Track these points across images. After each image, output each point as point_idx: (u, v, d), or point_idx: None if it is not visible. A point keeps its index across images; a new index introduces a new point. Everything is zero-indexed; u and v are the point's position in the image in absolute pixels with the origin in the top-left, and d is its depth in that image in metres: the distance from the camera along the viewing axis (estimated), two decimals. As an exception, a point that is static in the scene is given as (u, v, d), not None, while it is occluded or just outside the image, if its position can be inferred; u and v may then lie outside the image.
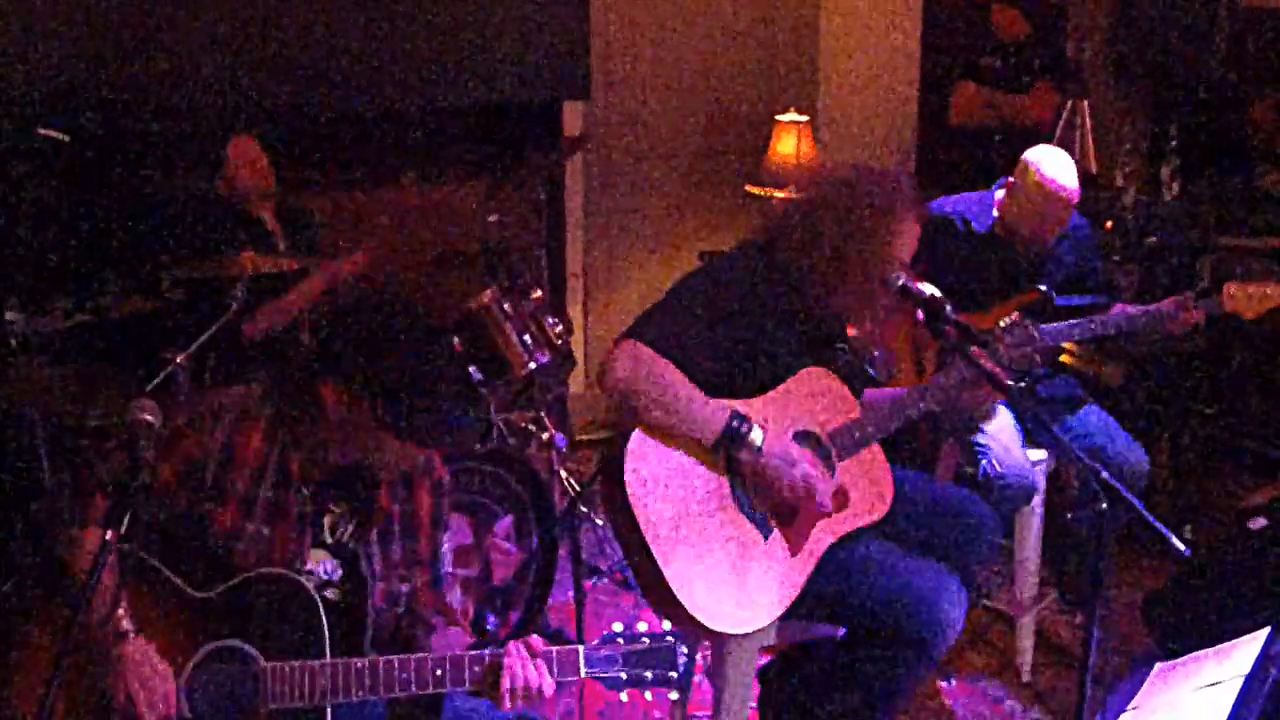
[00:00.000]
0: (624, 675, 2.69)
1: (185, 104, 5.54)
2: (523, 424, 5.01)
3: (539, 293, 4.91)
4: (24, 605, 2.73)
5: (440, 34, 5.95)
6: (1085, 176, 6.16)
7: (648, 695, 2.72)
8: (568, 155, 6.10)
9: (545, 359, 4.78)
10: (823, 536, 3.31)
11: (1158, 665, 3.09)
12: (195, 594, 2.69)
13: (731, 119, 6.76)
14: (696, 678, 3.99)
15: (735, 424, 3.16)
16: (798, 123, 6.29)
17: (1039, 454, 4.41)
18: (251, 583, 2.70)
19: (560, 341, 4.87)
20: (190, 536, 2.73)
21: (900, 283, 3.52)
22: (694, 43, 6.64)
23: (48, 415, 4.39)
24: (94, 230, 5.53)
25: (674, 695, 2.77)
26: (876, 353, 4.06)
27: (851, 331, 3.65)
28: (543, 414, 5.04)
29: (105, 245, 5.51)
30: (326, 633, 2.66)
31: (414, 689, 2.63)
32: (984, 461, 4.22)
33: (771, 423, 3.26)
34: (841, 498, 3.36)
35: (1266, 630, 2.88)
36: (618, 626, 2.72)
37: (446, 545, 2.99)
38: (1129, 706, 2.97)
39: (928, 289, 3.46)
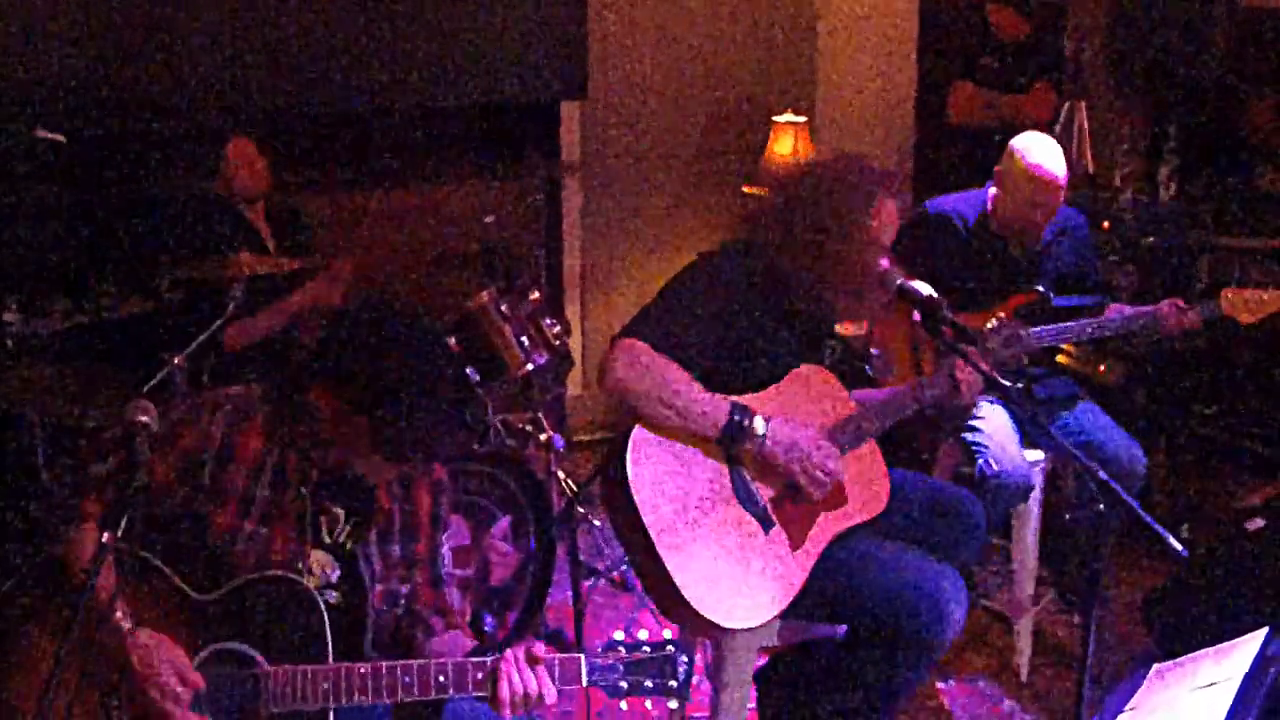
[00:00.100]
0: (625, 684, 2.69)
1: (182, 105, 5.53)
2: (520, 425, 5.00)
3: (537, 294, 4.91)
4: (23, 605, 2.73)
5: (437, 34, 5.95)
6: (1083, 176, 6.20)
7: (647, 703, 2.72)
8: (563, 173, 6.11)
9: (543, 360, 4.78)
10: (823, 531, 3.32)
11: (1155, 665, 3.08)
12: (197, 596, 2.69)
13: (729, 120, 6.77)
14: (695, 679, 3.99)
15: (738, 417, 3.18)
16: (795, 123, 6.30)
17: (1036, 454, 4.41)
18: (253, 585, 2.70)
19: (558, 342, 4.87)
20: (190, 538, 2.73)
21: (898, 283, 3.54)
22: (692, 43, 6.64)
23: (45, 416, 4.38)
24: (92, 231, 5.52)
25: (673, 704, 2.78)
26: (874, 352, 4.06)
27: (849, 330, 3.65)
28: (540, 415, 5.04)
29: (103, 246, 5.50)
30: (329, 636, 2.66)
31: (416, 694, 2.63)
32: (980, 460, 4.22)
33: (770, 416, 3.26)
34: (840, 494, 3.37)
35: (1264, 630, 2.88)
36: (619, 635, 2.72)
37: (446, 545, 2.99)
38: (1127, 707, 2.97)
39: (924, 289, 3.47)
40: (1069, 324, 4.29)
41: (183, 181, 5.42)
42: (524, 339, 4.74)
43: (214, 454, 2.74)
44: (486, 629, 4.42)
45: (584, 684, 2.68)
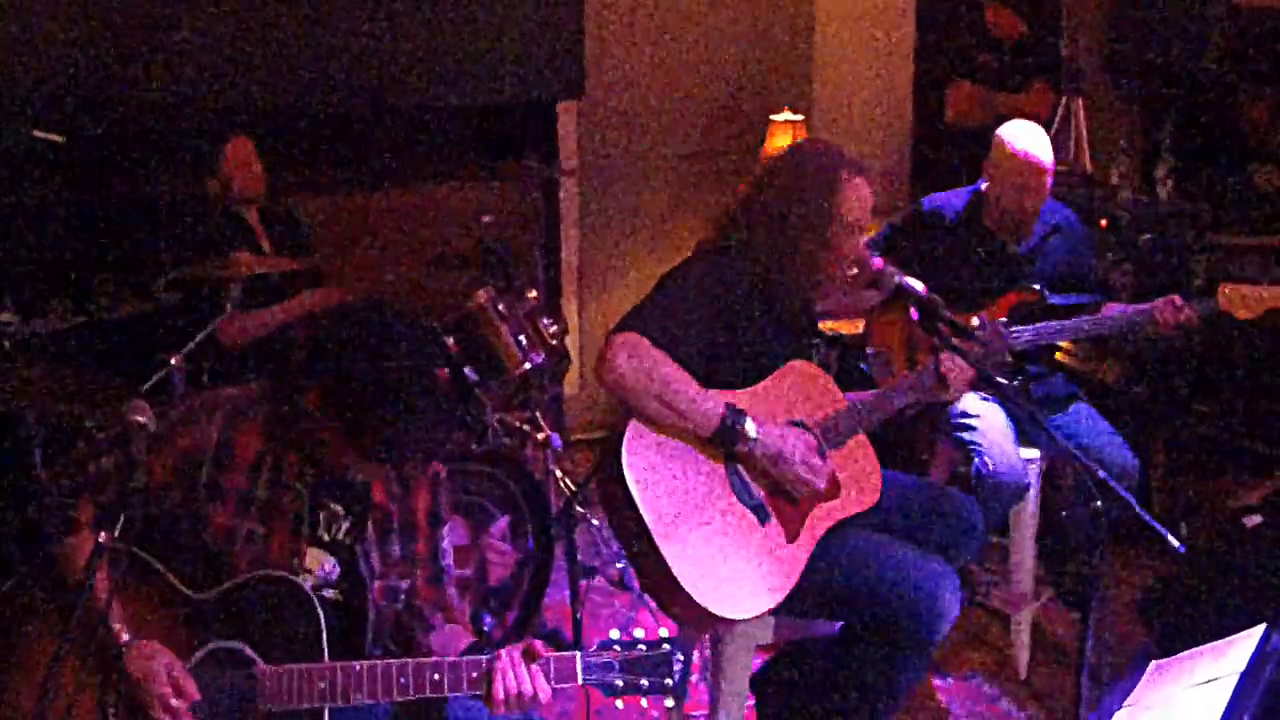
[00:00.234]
0: (620, 682, 2.69)
1: (179, 105, 5.53)
2: (518, 424, 5.00)
3: (534, 293, 4.91)
4: (22, 606, 2.73)
5: (434, 34, 5.95)
6: (1080, 175, 6.20)
7: (643, 702, 2.72)
8: (561, 175, 6.11)
9: (540, 359, 4.78)
10: (818, 523, 3.34)
11: (1153, 662, 3.09)
12: (194, 595, 2.69)
13: (726, 119, 6.76)
14: (693, 678, 3.99)
15: (730, 421, 3.18)
16: (792, 122, 6.29)
17: (1032, 452, 4.42)
18: (250, 584, 2.70)
19: (555, 342, 4.87)
20: (188, 537, 2.73)
21: (895, 280, 3.55)
22: (689, 42, 6.64)
23: (43, 416, 4.38)
24: (89, 232, 5.52)
25: (669, 703, 2.77)
26: (870, 351, 4.08)
27: (847, 329, 3.66)
28: (538, 414, 5.04)
29: (101, 247, 5.50)
30: (325, 636, 2.66)
31: (411, 693, 2.63)
32: (976, 459, 4.23)
33: (762, 414, 3.27)
34: (833, 486, 3.38)
35: (1262, 627, 2.88)
36: (615, 633, 2.72)
37: (446, 541, 2.99)
38: (1125, 703, 2.97)
39: (921, 287, 3.48)
40: (1065, 322, 4.30)
41: (179, 182, 5.42)
42: (521, 338, 4.75)
43: (212, 454, 2.74)
44: (485, 628, 4.43)
45: (580, 682, 2.68)
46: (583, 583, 4.86)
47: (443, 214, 6.27)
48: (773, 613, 3.30)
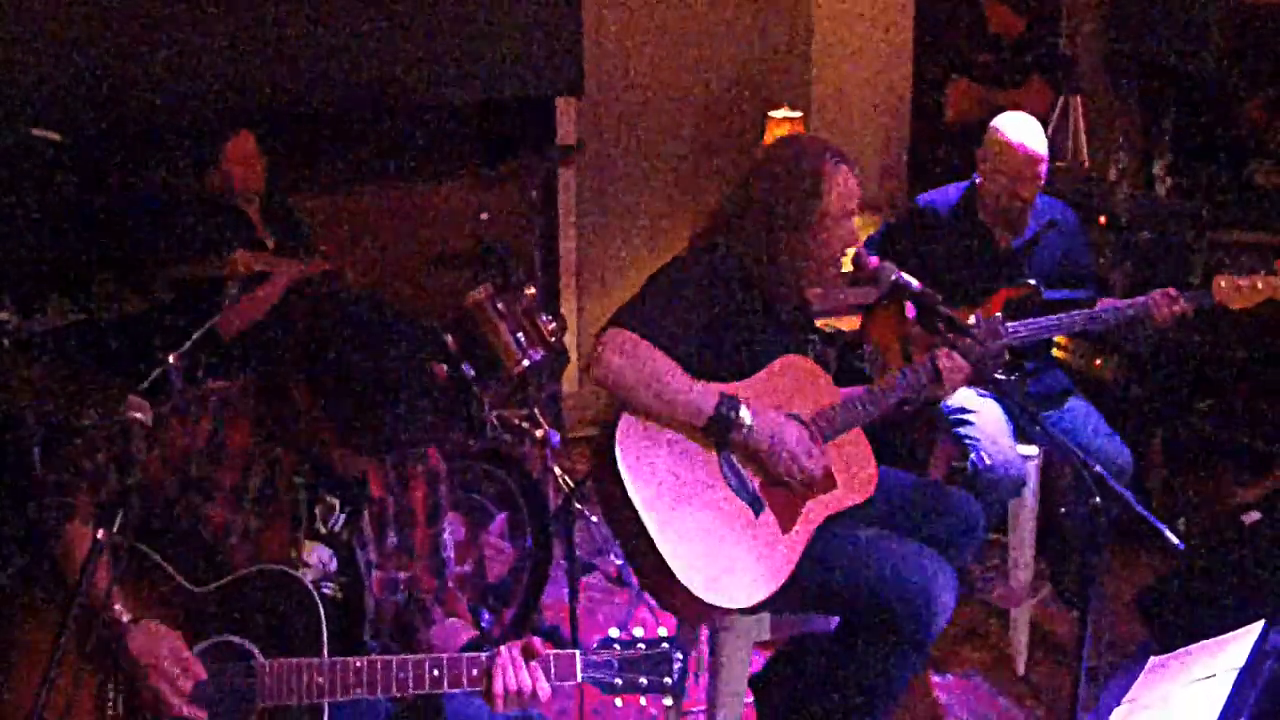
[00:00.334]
0: (619, 681, 2.69)
1: (176, 103, 5.52)
2: (516, 421, 5.01)
3: (532, 290, 4.91)
4: (20, 601, 2.73)
5: (433, 31, 5.95)
6: (1079, 172, 6.20)
7: (642, 700, 2.72)
8: (563, 161, 6.10)
9: (539, 356, 4.78)
10: (813, 515, 3.34)
11: (1152, 659, 3.09)
12: (193, 589, 2.69)
13: (725, 116, 6.76)
14: (691, 676, 3.99)
15: (724, 409, 3.19)
16: (791, 119, 6.29)
17: (1030, 449, 4.42)
18: (249, 579, 2.70)
19: (554, 339, 4.87)
20: (184, 532, 2.73)
21: (893, 278, 3.56)
22: (687, 39, 6.64)
23: (41, 414, 4.38)
24: (88, 230, 5.51)
25: (668, 701, 2.78)
26: (867, 348, 4.08)
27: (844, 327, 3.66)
28: (536, 411, 5.04)
29: (100, 245, 5.49)
30: (324, 629, 2.66)
31: (410, 689, 2.64)
32: (973, 454, 4.23)
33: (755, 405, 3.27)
34: (828, 479, 3.38)
35: (1260, 624, 2.88)
36: (614, 632, 2.73)
37: (447, 533, 3.00)
38: (1123, 700, 2.97)
39: (918, 284, 3.49)
40: (1061, 316, 4.30)
41: (179, 179, 5.41)
42: (520, 335, 4.75)
43: (203, 448, 2.74)
44: (483, 625, 4.43)
45: (579, 680, 2.68)
46: (581, 580, 4.86)
47: (441, 211, 6.27)
48: (769, 608, 3.30)
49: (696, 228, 3.58)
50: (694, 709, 3.98)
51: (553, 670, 2.67)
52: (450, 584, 3.02)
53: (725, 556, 3.19)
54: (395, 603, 2.91)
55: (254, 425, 2.79)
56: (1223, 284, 4.32)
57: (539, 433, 4.94)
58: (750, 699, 3.59)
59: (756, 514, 3.26)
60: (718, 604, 3.14)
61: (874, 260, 3.62)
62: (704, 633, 3.72)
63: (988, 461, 4.20)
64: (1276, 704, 2.77)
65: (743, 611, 3.28)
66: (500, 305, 4.74)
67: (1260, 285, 4.29)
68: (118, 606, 2.62)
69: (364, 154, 6.17)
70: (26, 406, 4.35)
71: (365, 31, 5.82)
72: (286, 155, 5.45)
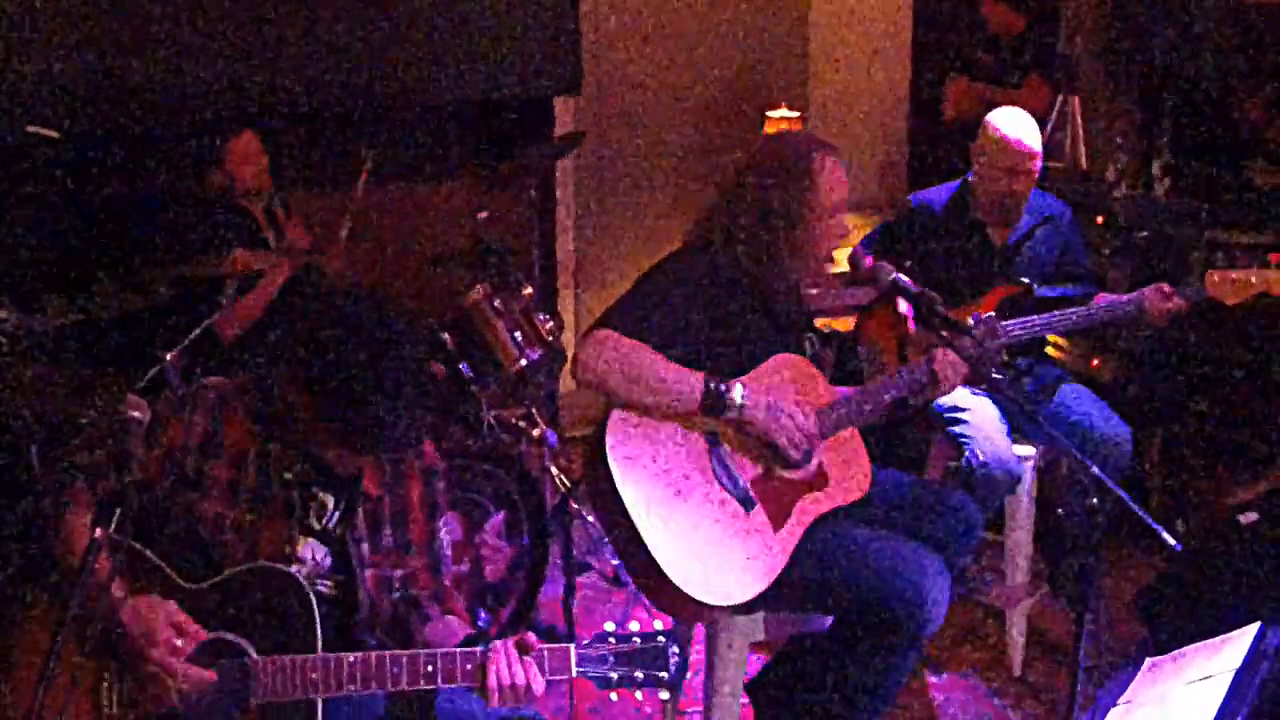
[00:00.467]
0: (614, 675, 2.69)
1: (175, 102, 5.52)
2: (514, 421, 5.01)
3: (529, 289, 4.91)
4: (19, 596, 2.73)
5: (431, 30, 5.94)
6: (1076, 171, 6.20)
7: (638, 695, 2.72)
8: (563, 152, 6.09)
9: (536, 356, 4.78)
10: (805, 512, 3.34)
11: (1149, 660, 3.09)
12: (187, 586, 2.69)
13: (723, 115, 6.76)
14: (688, 675, 3.99)
15: (713, 385, 3.19)
16: (789, 119, 6.29)
17: (1028, 449, 4.42)
18: (243, 575, 2.71)
19: (551, 338, 4.87)
20: (180, 528, 2.73)
21: (890, 278, 3.57)
22: (685, 38, 6.64)
23: (39, 413, 4.38)
24: (87, 229, 5.51)
25: (664, 695, 2.77)
26: (862, 349, 4.08)
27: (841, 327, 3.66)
28: (534, 410, 5.04)
29: (97, 243, 5.49)
30: (318, 626, 2.66)
31: (405, 684, 2.64)
32: (967, 452, 4.23)
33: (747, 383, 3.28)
34: (821, 477, 3.38)
35: (1257, 625, 2.88)
36: (609, 626, 2.72)
37: (444, 531, 3.00)
38: (1120, 700, 2.97)
39: (915, 284, 3.49)
40: (1055, 313, 4.30)
41: (178, 178, 5.41)
42: (517, 335, 4.75)
43: (198, 445, 2.74)
44: (480, 624, 4.43)
45: (574, 675, 2.68)
46: (578, 579, 4.86)
47: (439, 210, 6.27)
48: (761, 606, 3.30)
49: (689, 226, 3.58)
50: (690, 709, 3.98)
51: (547, 664, 2.67)
52: (447, 582, 3.03)
53: (716, 554, 3.19)
54: (391, 600, 2.91)
55: (250, 422, 2.79)
56: (1216, 279, 4.31)
57: (536, 432, 4.95)
58: (746, 700, 3.58)
59: (748, 511, 3.26)
60: (708, 601, 3.14)
61: (870, 260, 3.63)
62: (700, 632, 3.71)
63: (982, 459, 4.20)
64: (1273, 704, 2.77)
65: (735, 609, 3.28)
66: (498, 304, 4.74)
67: (1254, 279, 4.29)
68: (114, 586, 2.62)
69: (361, 153, 6.16)
70: (25, 405, 4.35)
71: (364, 31, 5.82)
72: (285, 154, 5.45)
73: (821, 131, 6.71)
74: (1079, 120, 6.29)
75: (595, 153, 6.56)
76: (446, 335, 4.70)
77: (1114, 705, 2.96)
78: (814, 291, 3.67)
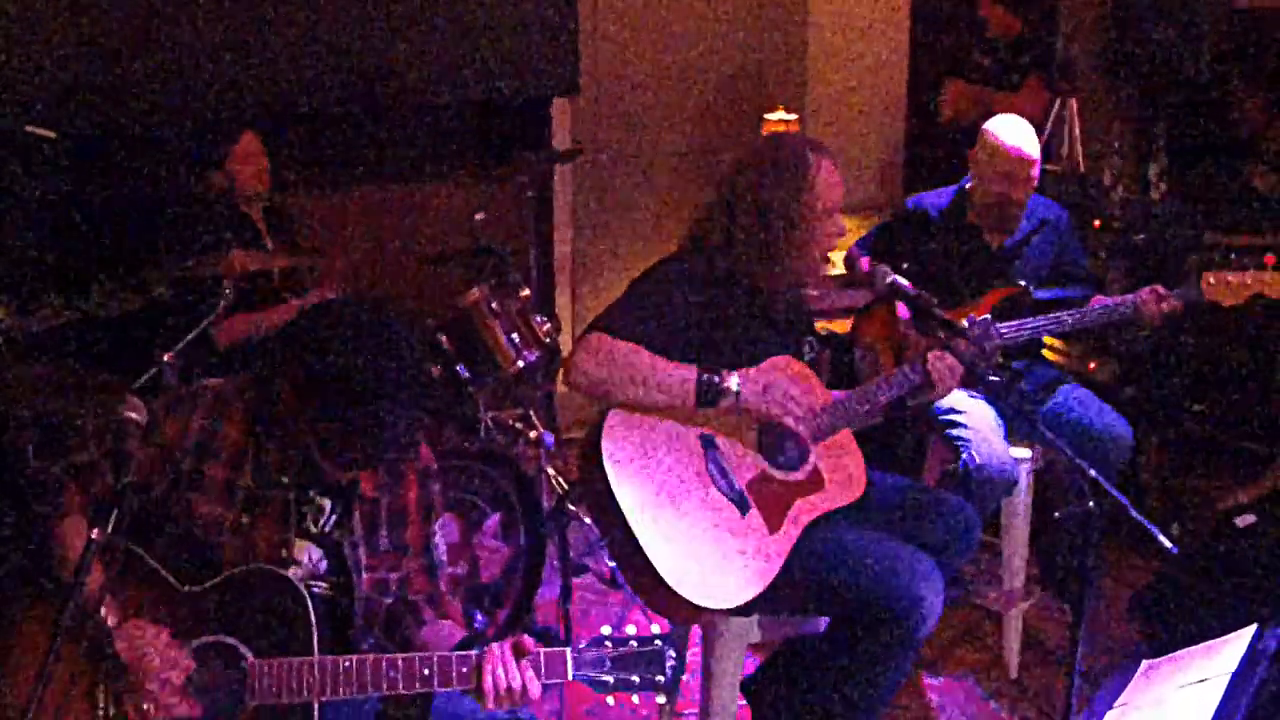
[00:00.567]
0: (611, 679, 2.68)
1: (173, 103, 5.52)
2: (511, 422, 5.01)
3: (527, 291, 4.91)
4: (14, 599, 2.72)
5: (429, 31, 5.95)
6: (1074, 174, 6.20)
7: (634, 698, 2.71)
8: (561, 161, 6.10)
9: (533, 357, 4.78)
10: (801, 514, 3.34)
11: (1145, 662, 3.09)
12: (183, 589, 2.69)
13: (720, 117, 6.77)
14: (685, 676, 3.99)
15: (707, 376, 3.20)
16: (786, 121, 6.29)
17: (1024, 452, 4.42)
18: (239, 578, 2.70)
19: (548, 339, 4.87)
20: (175, 529, 2.73)
21: (888, 280, 3.57)
22: (683, 39, 6.64)
23: (37, 413, 4.38)
24: (86, 228, 5.51)
25: (661, 699, 2.77)
26: (858, 351, 4.08)
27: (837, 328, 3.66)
28: (530, 412, 5.05)
29: (95, 243, 5.49)
30: (315, 629, 2.66)
31: (401, 687, 2.63)
32: (964, 454, 4.23)
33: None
34: (817, 479, 3.38)
35: (1253, 627, 2.88)
36: (606, 629, 2.72)
37: (439, 533, 3.00)
38: (1116, 703, 2.97)
39: (912, 286, 3.49)
40: (1050, 316, 4.30)
41: (178, 179, 5.41)
42: (514, 336, 4.75)
43: (194, 446, 2.74)
44: (477, 626, 4.43)
45: (569, 678, 2.67)
46: (574, 581, 4.86)
47: (437, 211, 6.27)
48: (756, 608, 3.30)
49: (685, 229, 3.58)
50: (687, 710, 3.98)
51: (543, 668, 2.66)
52: (443, 586, 3.02)
53: (711, 557, 3.18)
54: (387, 604, 2.91)
55: (247, 423, 2.79)
56: (1211, 280, 4.31)
57: (533, 433, 4.95)
58: (743, 701, 3.58)
59: (743, 514, 3.26)
60: (703, 605, 3.14)
61: (866, 262, 3.63)
62: (696, 633, 3.71)
63: (978, 461, 4.20)
64: (1269, 707, 2.77)
65: (731, 612, 3.28)
66: (495, 306, 4.74)
67: (1249, 280, 4.28)
68: (104, 610, 2.62)
69: (361, 153, 6.17)
70: (23, 405, 4.35)
71: (362, 32, 5.82)
72: (283, 154, 5.45)
73: (819, 133, 6.71)
74: (1076, 122, 6.30)
75: (593, 154, 6.56)
76: (443, 336, 4.69)
77: (1110, 708, 2.96)
78: (813, 293, 3.67)
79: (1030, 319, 4.26)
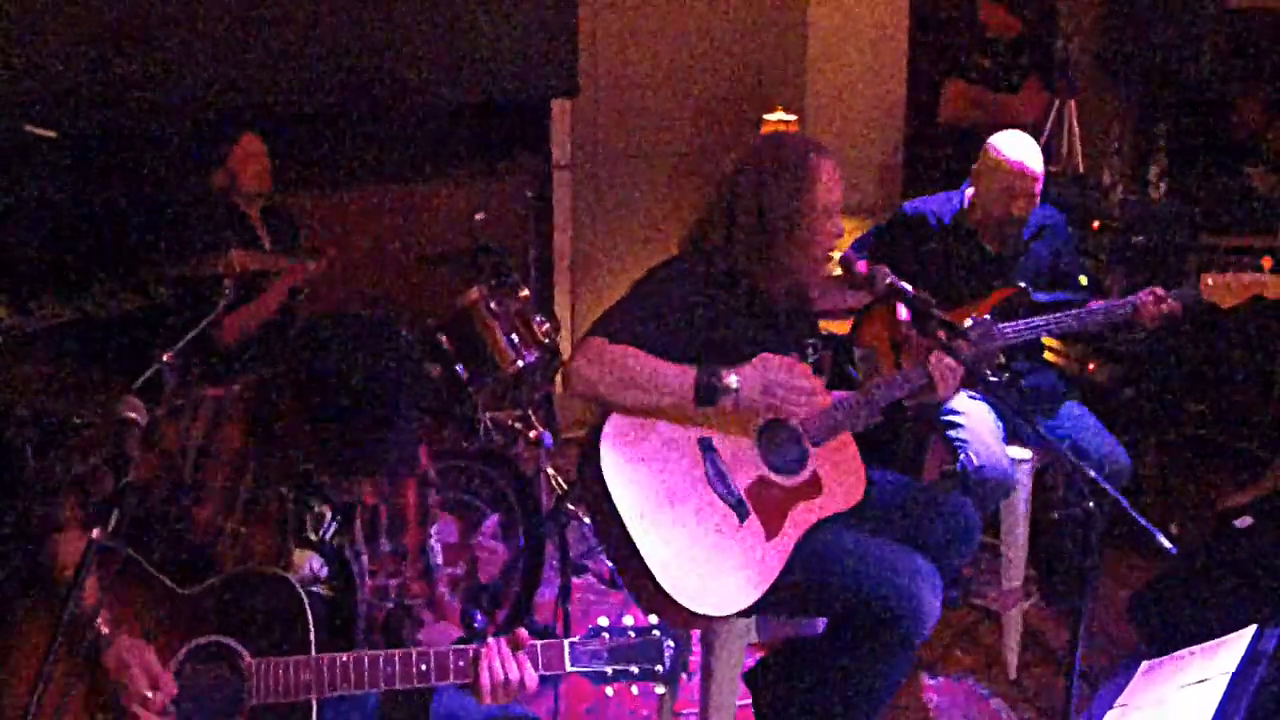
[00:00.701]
0: (609, 670, 2.68)
1: (177, 103, 5.52)
2: (509, 422, 5.01)
3: (526, 291, 4.91)
4: (18, 603, 2.72)
5: (429, 32, 5.95)
6: (1073, 175, 6.20)
7: (634, 690, 2.71)
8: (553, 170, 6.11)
9: (532, 357, 4.78)
10: (799, 520, 3.33)
11: (1144, 663, 3.09)
12: (181, 590, 2.69)
13: (720, 118, 6.77)
14: (684, 675, 3.99)
15: (706, 377, 3.20)
16: (786, 121, 6.30)
17: (1023, 452, 4.42)
18: (237, 579, 2.70)
19: (548, 340, 4.87)
20: (173, 534, 2.73)
21: (887, 281, 3.57)
22: (683, 40, 6.64)
23: (36, 413, 4.37)
24: (85, 228, 5.51)
25: (660, 689, 2.77)
26: (858, 352, 4.07)
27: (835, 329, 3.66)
28: (530, 412, 5.04)
29: (94, 243, 5.49)
30: (312, 628, 2.66)
31: (398, 684, 2.63)
32: (962, 455, 4.23)
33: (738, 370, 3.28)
34: (815, 484, 3.37)
35: (1252, 628, 2.88)
36: (603, 621, 2.72)
37: (435, 539, 2.99)
38: (1116, 703, 2.97)
39: (911, 288, 3.49)
40: (1049, 317, 4.30)
41: (178, 178, 5.41)
42: (514, 336, 4.75)
43: (194, 452, 2.74)
44: (477, 626, 4.42)
45: (567, 669, 2.67)
46: (574, 580, 4.86)
47: (436, 212, 6.27)
48: (754, 613, 3.30)
49: (686, 230, 3.58)
50: (686, 710, 3.98)
51: (540, 660, 2.66)
52: (440, 589, 3.02)
53: (709, 563, 3.17)
54: (385, 609, 2.91)
55: (247, 430, 2.78)
56: (1210, 281, 4.31)
57: (532, 434, 4.94)
58: (743, 700, 3.58)
59: (742, 520, 3.25)
60: (701, 611, 3.13)
61: (863, 264, 3.63)
62: (696, 633, 3.71)
63: (976, 463, 4.20)
64: (1269, 708, 2.77)
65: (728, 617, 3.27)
66: (494, 306, 4.74)
67: (1247, 281, 4.29)
68: (98, 620, 2.61)
69: (360, 154, 6.17)
70: (21, 405, 4.35)
71: (362, 32, 5.82)
72: (283, 155, 5.45)
73: (818, 134, 6.71)
74: (1075, 123, 6.29)
75: (592, 154, 6.56)
76: (443, 336, 4.69)
77: (1110, 709, 2.96)
78: (814, 294, 3.67)
79: (1031, 319, 4.26)
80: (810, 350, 3.57)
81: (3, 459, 4.48)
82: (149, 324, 5.00)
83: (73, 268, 5.38)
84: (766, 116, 6.35)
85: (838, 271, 4.74)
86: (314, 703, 2.64)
